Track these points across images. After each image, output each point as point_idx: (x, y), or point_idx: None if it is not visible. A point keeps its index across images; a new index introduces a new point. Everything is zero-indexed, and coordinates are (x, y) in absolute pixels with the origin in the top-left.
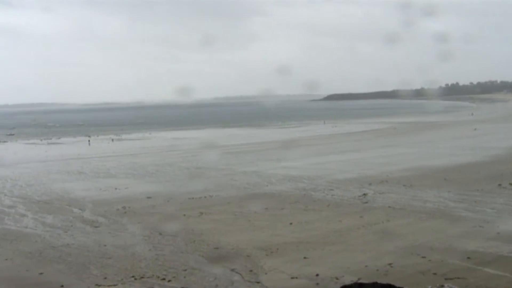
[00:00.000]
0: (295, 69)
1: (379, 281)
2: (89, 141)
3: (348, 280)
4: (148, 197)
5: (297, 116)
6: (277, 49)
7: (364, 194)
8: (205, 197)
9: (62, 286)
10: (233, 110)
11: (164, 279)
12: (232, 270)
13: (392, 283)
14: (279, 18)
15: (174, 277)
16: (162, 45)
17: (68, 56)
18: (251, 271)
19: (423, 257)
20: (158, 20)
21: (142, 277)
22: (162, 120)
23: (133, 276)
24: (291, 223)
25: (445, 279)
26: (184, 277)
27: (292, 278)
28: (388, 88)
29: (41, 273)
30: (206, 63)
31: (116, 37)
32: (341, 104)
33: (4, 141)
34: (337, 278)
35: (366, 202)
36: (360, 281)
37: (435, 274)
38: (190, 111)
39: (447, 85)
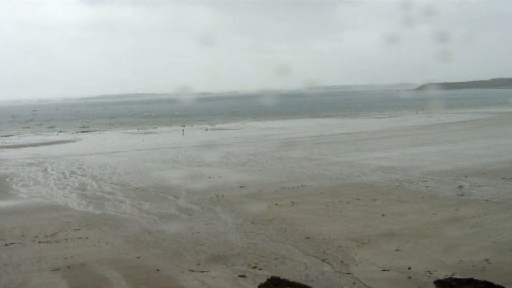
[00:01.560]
0: (385, 58)
1: (475, 278)
2: (183, 130)
3: (442, 275)
4: (241, 186)
5: (389, 106)
6: (366, 37)
7: (460, 187)
8: (297, 187)
9: (158, 270)
10: (326, 100)
11: (255, 267)
12: (323, 260)
13: (489, 280)
14: (367, 6)
15: (265, 265)
16: (252, 36)
17: (162, 48)
18: (342, 262)
19: None
20: (248, 10)
21: (233, 265)
22: (255, 109)
23: (225, 263)
24: (383, 215)
25: None
26: (275, 265)
27: (383, 270)
28: (487, 77)
29: (138, 257)
30: (296, 52)
31: (208, 28)
32: (436, 93)
33: (104, 130)
34: (430, 272)
35: (462, 195)
36: (455, 276)
37: None
38: (283, 100)
39: None
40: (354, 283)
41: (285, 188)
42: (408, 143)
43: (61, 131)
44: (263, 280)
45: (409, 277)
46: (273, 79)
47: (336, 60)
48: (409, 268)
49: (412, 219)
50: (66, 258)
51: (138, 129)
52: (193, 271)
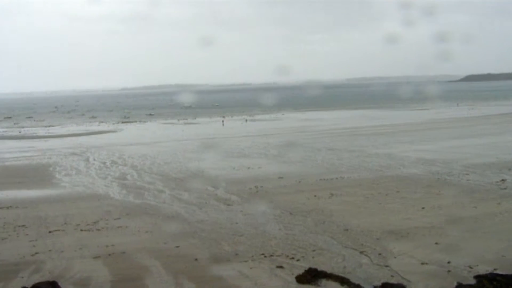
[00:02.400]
0: (424, 49)
1: None
2: (222, 121)
3: (483, 270)
4: (280, 177)
5: (429, 97)
6: (404, 28)
7: (503, 180)
8: (336, 178)
9: (196, 259)
10: (365, 91)
11: (293, 258)
12: (361, 252)
13: None
14: None
15: (302, 256)
16: (289, 27)
17: (199, 40)
18: (380, 254)
19: None
20: (286, 1)
21: (271, 255)
22: (294, 101)
23: (263, 254)
24: (423, 208)
25: None
26: (313, 257)
27: (422, 263)
28: None
29: (177, 246)
30: (333, 43)
31: (245, 19)
32: (480, 85)
33: (144, 121)
34: (470, 267)
35: (505, 189)
36: (496, 271)
37: None
38: (323, 92)
39: None
40: (392, 276)
41: (324, 179)
42: (449, 135)
43: (102, 122)
44: (300, 271)
45: (449, 271)
46: (312, 70)
47: (373, 50)
48: (449, 262)
49: (453, 213)
50: (107, 246)
51: (178, 120)
52: (231, 261)
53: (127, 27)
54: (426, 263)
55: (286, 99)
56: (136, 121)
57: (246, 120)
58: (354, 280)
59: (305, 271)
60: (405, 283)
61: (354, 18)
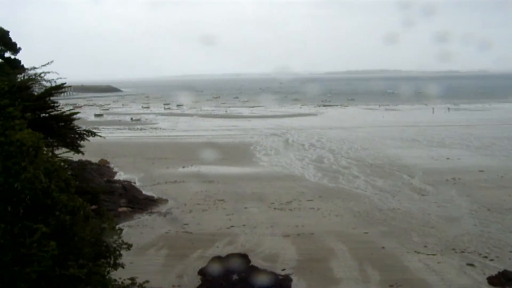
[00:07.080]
0: None
1: None
2: (433, 109)
3: None
4: (480, 171)
5: None
6: None
7: None
8: None
9: (383, 247)
10: None
11: (486, 257)
12: None
13: None
14: None
15: (497, 257)
16: None
17: (397, 24)
18: None
19: None
20: None
21: (462, 251)
22: (506, 90)
23: (453, 249)
24: None
25: None
26: (509, 258)
27: None
28: None
29: (365, 233)
30: None
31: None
32: None
33: (345, 106)
34: None
35: None
36: None
37: None
38: None
39: None
40: None
41: None
42: None
43: (304, 104)
44: (493, 272)
45: None
46: None
47: None
48: None
49: None
50: (297, 226)
51: (379, 106)
52: (418, 253)
53: (321, 12)
54: None
55: (496, 89)
56: (336, 105)
57: (449, 109)
58: None
59: (499, 273)
60: None
61: None
